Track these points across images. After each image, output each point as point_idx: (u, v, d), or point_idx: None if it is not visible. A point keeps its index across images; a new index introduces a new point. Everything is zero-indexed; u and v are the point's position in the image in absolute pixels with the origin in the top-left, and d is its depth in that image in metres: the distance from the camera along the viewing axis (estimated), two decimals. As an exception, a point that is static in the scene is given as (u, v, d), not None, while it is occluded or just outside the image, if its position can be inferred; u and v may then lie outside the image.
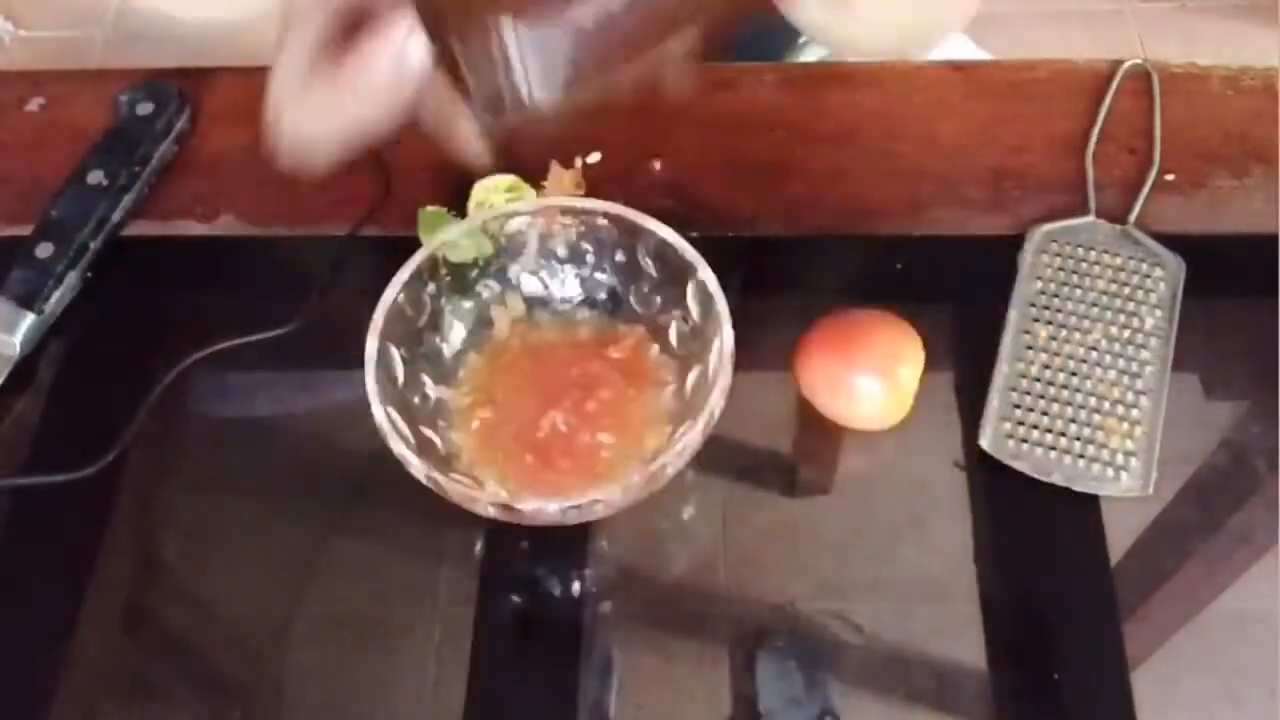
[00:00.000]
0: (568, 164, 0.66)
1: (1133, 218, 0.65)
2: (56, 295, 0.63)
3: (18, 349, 0.62)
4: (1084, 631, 0.55)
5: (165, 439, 0.61)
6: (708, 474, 0.60)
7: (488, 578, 0.57)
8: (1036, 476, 0.57)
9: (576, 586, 0.57)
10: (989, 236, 0.65)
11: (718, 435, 0.54)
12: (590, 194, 0.63)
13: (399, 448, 0.52)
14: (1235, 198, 0.67)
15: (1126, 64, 0.71)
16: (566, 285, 0.61)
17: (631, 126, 0.68)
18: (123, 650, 0.57)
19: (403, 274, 0.55)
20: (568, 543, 0.58)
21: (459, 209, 0.62)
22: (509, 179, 0.62)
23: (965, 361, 0.62)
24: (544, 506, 0.51)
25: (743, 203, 0.67)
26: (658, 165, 0.68)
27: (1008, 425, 0.59)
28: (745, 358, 0.53)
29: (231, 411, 0.64)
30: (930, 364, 0.58)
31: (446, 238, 0.56)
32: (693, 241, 0.56)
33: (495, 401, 0.58)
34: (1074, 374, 0.60)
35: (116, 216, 0.65)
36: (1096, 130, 0.68)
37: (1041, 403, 0.59)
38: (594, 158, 0.67)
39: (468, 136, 0.52)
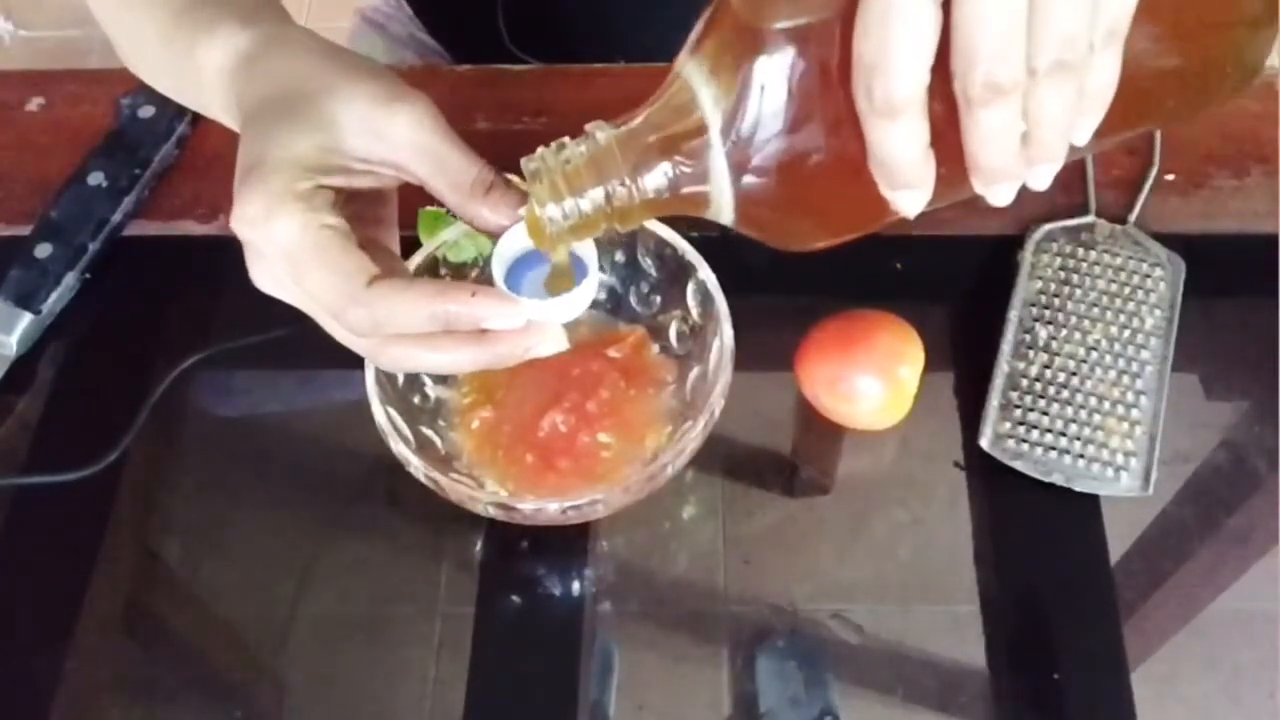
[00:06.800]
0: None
1: (1133, 218, 0.65)
2: (55, 296, 0.63)
3: (14, 349, 0.62)
4: (1084, 631, 0.55)
5: (166, 439, 0.61)
6: (708, 474, 0.60)
7: (488, 578, 0.57)
8: (1036, 476, 0.57)
9: (576, 586, 0.57)
10: (989, 236, 0.65)
11: (718, 435, 0.54)
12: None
13: (399, 448, 0.52)
14: (1235, 198, 0.67)
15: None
16: (566, 285, 0.61)
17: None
18: (123, 650, 0.57)
19: (403, 274, 0.55)
20: (568, 543, 0.58)
21: (459, 209, 0.62)
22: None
23: (965, 361, 0.62)
24: (544, 506, 0.51)
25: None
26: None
27: (1008, 425, 0.59)
28: (745, 358, 0.53)
29: (232, 412, 0.64)
30: (930, 364, 0.58)
31: (446, 238, 0.56)
32: (693, 241, 0.56)
33: (495, 401, 0.58)
34: (1074, 374, 0.60)
35: (116, 218, 0.65)
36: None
37: (1041, 403, 0.59)
38: (594, 158, 0.67)
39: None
